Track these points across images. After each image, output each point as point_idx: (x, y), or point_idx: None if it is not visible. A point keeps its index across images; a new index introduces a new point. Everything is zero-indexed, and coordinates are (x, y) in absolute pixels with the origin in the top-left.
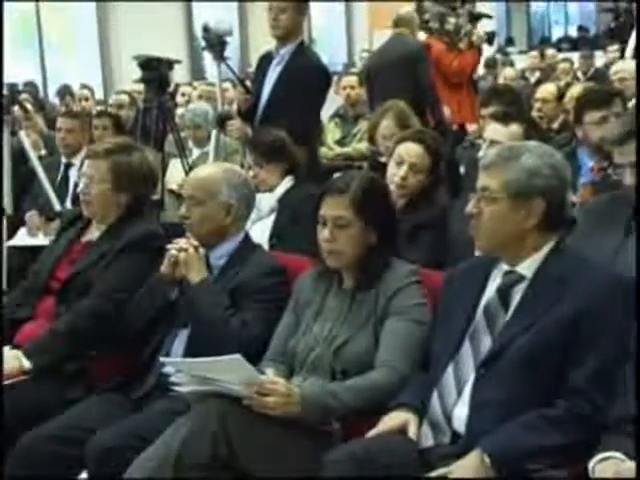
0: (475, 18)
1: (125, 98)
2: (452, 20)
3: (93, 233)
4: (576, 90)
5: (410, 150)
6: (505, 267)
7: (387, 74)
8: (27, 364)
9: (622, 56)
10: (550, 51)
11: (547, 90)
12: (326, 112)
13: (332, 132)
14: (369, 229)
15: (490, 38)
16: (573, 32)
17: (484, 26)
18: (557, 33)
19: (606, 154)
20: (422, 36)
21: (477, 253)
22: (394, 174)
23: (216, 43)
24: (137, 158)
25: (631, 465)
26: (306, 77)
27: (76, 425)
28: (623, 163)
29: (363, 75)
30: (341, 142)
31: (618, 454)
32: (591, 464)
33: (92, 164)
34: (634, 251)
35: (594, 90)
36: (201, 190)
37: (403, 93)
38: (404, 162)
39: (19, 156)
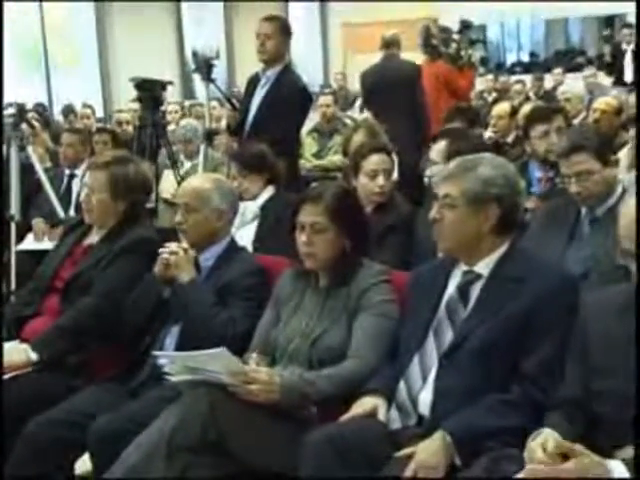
0: (472, 43)
1: (125, 116)
2: (454, 45)
3: (93, 237)
4: (527, 108)
5: (380, 160)
6: (464, 267)
7: (389, 92)
8: (33, 357)
9: (618, 81)
10: (503, 77)
11: (502, 108)
12: (304, 128)
13: (309, 146)
14: (342, 233)
15: (484, 60)
16: (526, 57)
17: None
18: (511, 59)
19: (551, 164)
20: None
21: (439, 254)
22: (374, 186)
23: (204, 66)
24: (133, 169)
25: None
26: (289, 97)
27: (78, 411)
28: (569, 173)
29: (364, 93)
30: (318, 155)
31: (549, 430)
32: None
33: (93, 175)
34: (579, 249)
35: (538, 108)
36: (195, 198)
37: (404, 110)
38: (379, 172)
39: (27, 168)
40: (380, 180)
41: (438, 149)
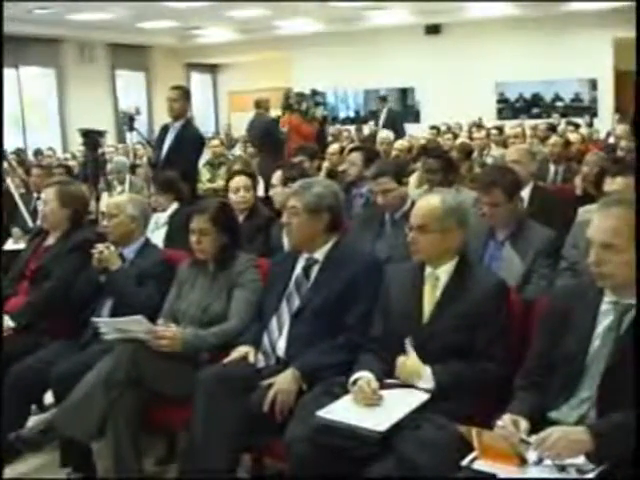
0: (317, 104)
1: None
2: (304, 104)
3: (50, 240)
4: (349, 148)
5: (239, 179)
6: (306, 255)
7: (257, 137)
8: (12, 324)
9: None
10: (337, 126)
11: (334, 148)
12: (200, 162)
13: (204, 174)
14: (222, 234)
15: (325, 117)
16: (352, 114)
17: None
18: (342, 115)
19: (357, 184)
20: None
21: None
22: (237, 197)
23: (128, 120)
24: (73, 187)
25: (369, 376)
26: (190, 142)
27: (44, 360)
28: (376, 190)
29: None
30: (210, 180)
31: (365, 373)
32: (350, 380)
33: (46, 191)
34: (384, 242)
35: (355, 145)
36: (115, 207)
37: (265, 148)
38: (240, 188)
39: (7, 195)
40: (241, 193)
41: (277, 176)
